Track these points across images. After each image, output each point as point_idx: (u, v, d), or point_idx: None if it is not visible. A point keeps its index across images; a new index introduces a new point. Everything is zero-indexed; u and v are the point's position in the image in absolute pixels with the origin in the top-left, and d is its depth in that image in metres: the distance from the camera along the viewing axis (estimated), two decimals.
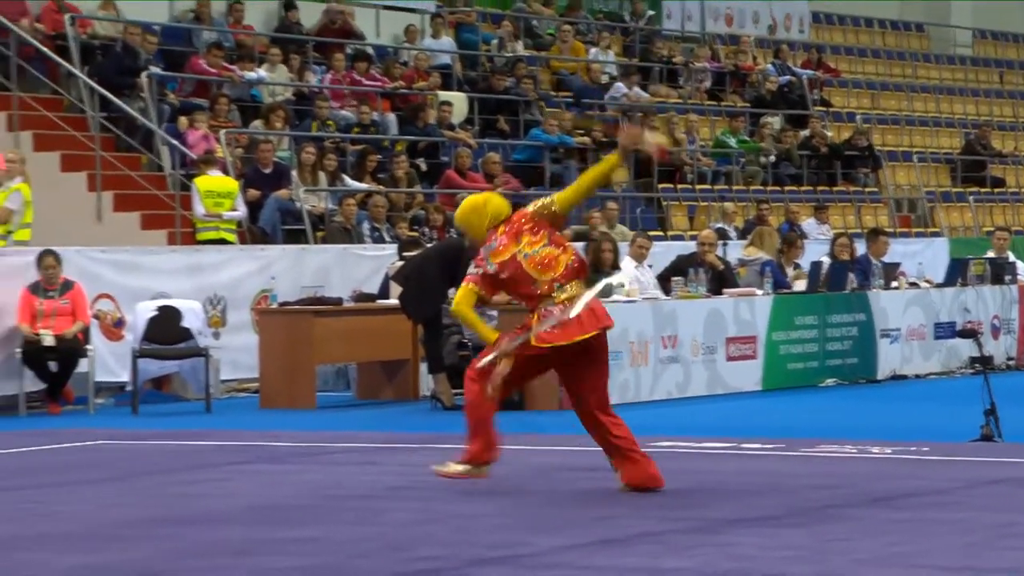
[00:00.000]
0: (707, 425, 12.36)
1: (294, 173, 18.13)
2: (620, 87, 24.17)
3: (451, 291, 14.34)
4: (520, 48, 24.18)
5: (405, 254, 15.04)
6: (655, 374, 14.36)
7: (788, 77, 26.97)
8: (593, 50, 25.01)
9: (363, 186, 18.88)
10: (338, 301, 14.75)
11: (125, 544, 7.23)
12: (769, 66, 27.18)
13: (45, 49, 18.01)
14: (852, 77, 29.34)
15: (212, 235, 16.53)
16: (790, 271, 16.76)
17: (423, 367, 14.55)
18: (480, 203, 8.81)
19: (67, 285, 13.82)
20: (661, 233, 21.27)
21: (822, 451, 10.48)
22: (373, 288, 15.57)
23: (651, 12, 27.46)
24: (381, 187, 19.05)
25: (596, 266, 15.15)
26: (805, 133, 25.55)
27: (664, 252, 16.99)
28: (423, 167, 20.34)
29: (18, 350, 13.55)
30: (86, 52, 18.57)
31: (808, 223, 22.23)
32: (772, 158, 24.63)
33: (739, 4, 29.01)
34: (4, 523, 7.88)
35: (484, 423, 8.63)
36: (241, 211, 16.78)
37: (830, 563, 6.68)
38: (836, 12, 31.18)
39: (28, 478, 9.59)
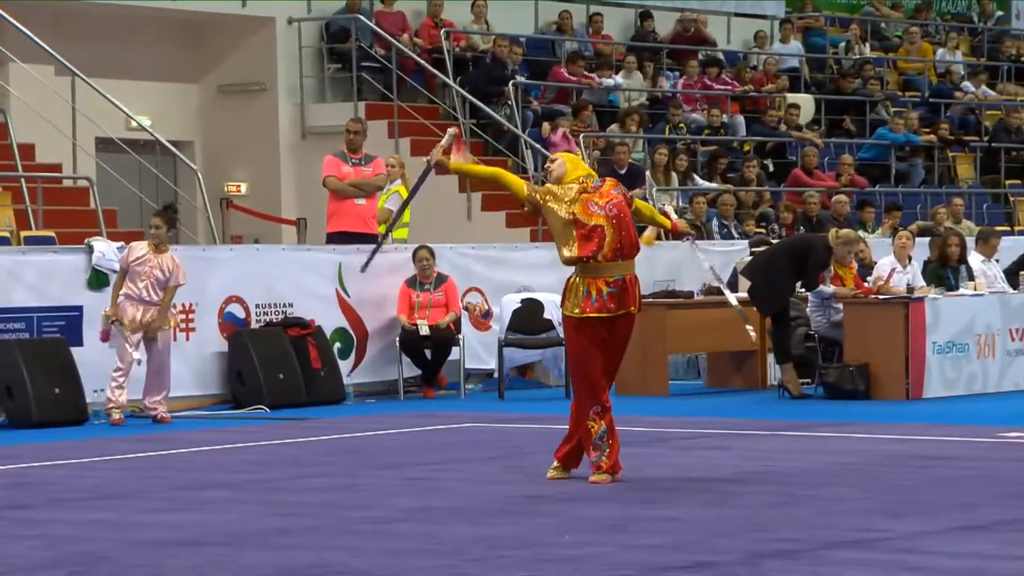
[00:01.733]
0: None
1: (648, 173, 18.23)
2: (968, 87, 23.41)
3: (798, 285, 14.21)
4: (867, 50, 23.70)
5: (754, 250, 14.98)
6: (1003, 366, 13.87)
7: None
8: (940, 50, 24.29)
9: (713, 185, 18.85)
10: (689, 295, 14.75)
11: (510, 518, 7.44)
12: None
13: (423, 62, 18.64)
14: None
15: None
16: None
17: (770, 357, 14.42)
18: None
19: (441, 278, 14.25)
20: (1008, 228, 20.50)
21: None
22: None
23: (1000, 12, 26.49)
24: (730, 186, 18.97)
25: (942, 260, 14.74)
26: None
27: (1012, 247, 16.38)
28: (770, 167, 20.18)
29: (397, 339, 14.03)
30: (459, 64, 19.12)
31: None
32: None
33: None
34: (403, 496, 8.20)
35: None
36: None
37: None
38: None
39: (415, 456, 9.95)
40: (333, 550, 6.72)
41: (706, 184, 18.83)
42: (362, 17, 18.66)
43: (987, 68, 24.27)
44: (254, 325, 13.52)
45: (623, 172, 18.11)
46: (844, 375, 13.35)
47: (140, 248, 12.17)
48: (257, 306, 13.56)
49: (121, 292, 12.08)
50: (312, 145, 18.31)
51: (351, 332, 14.07)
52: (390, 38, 18.47)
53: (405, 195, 15.45)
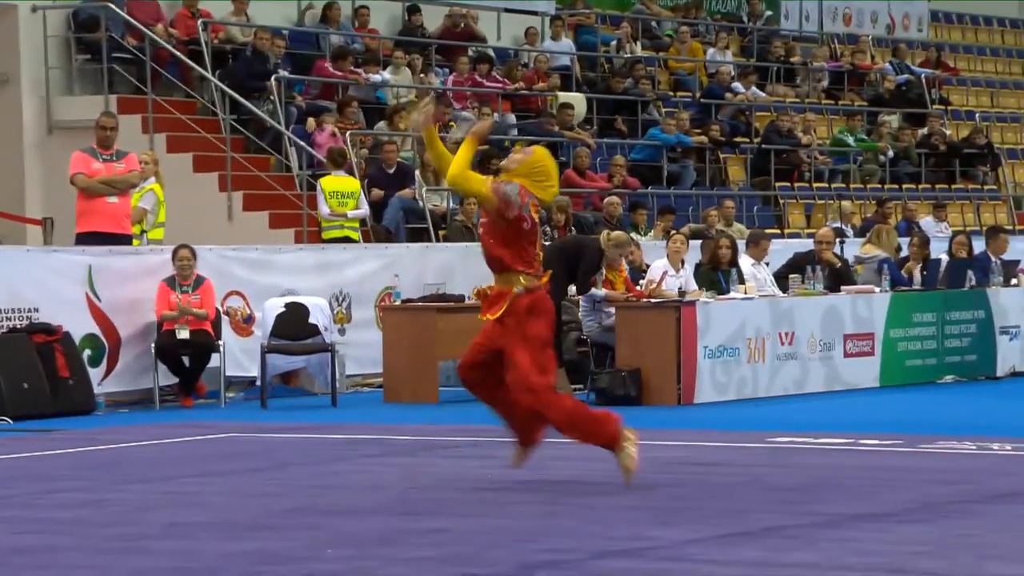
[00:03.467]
0: (825, 421, 12.30)
1: (417, 173, 18.29)
2: (738, 87, 24.07)
3: (571, 288, 14.41)
4: (639, 49, 24.17)
5: None
6: (772, 371, 14.30)
7: (906, 76, 26.69)
8: (711, 50, 24.92)
9: None
10: (460, 298, 14.84)
11: (273, 532, 7.39)
12: (887, 65, 26.92)
13: (179, 54, 18.35)
14: (971, 75, 28.96)
15: (337, 233, 16.73)
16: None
17: None
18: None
19: (199, 280, 14.06)
20: (778, 231, 21.16)
21: (941, 447, 10.39)
22: None
23: (769, 12, 27.31)
24: None
25: (713, 263, 15.13)
26: (924, 131, 25.29)
27: (781, 250, 16.91)
28: None
29: (152, 345, 13.79)
30: (218, 56, 18.88)
31: (926, 221, 21.99)
32: (890, 156, 24.40)
33: (857, 4, 28.73)
34: (157, 511, 8.07)
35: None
36: (364, 209, 16.96)
37: (957, 559, 6.64)
38: (955, 11, 30.78)
39: (171, 468, 9.80)
40: (80, 569, 6.59)
41: None
42: (112, 6, 18.26)
43: (756, 69, 24.98)
44: None
45: (392, 171, 18.14)
46: (616, 380, 13.59)
47: None
48: None
49: None
50: (59, 140, 17.87)
51: (102, 338, 13.77)
52: (143, 28, 18.14)
53: (160, 193, 15.21)
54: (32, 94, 18.31)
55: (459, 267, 16.17)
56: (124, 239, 14.40)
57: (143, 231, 15.03)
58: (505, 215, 8.48)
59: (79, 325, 13.56)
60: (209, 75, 18.36)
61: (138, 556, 6.88)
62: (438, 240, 17.50)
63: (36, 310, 13.39)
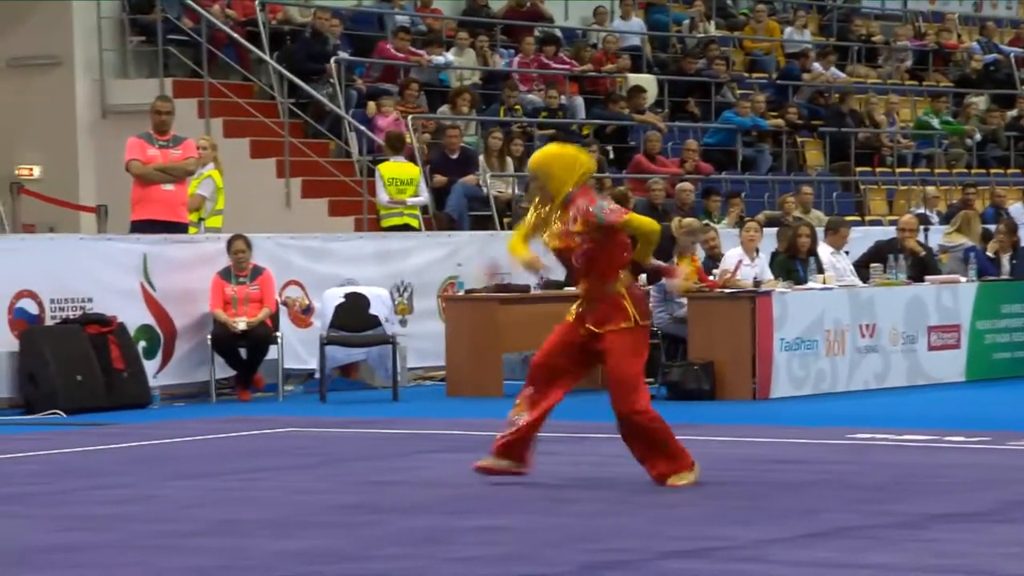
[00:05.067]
0: (908, 417, 12.18)
1: (481, 158, 18.25)
2: (816, 68, 23.86)
3: (641, 277, 14.31)
4: (712, 28, 24.02)
5: None
6: (852, 364, 14.16)
7: (995, 55, 26.38)
8: (788, 29, 24.72)
9: None
10: (525, 288, 14.79)
11: (325, 530, 7.38)
12: (974, 44, 26.61)
13: (236, 35, 18.41)
14: None
15: (396, 221, 16.73)
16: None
17: None
18: (570, 155, 8.61)
19: (257, 271, 14.08)
20: (858, 218, 20.98)
21: None
22: (559, 275, 15.55)
23: None
24: None
25: (792, 252, 14.99)
26: (1013, 113, 24.99)
27: (862, 238, 16.74)
28: (611, 153, 20.31)
29: (208, 337, 13.84)
30: (276, 38, 18.94)
31: (1015, 207, 21.71)
32: (977, 139, 24.11)
33: None
34: (207, 508, 8.09)
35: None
36: (424, 197, 16.95)
37: None
38: None
39: (224, 464, 9.82)
40: (124, 567, 6.59)
41: None
42: None
43: (836, 48, 24.77)
44: (48, 322, 13.26)
45: (455, 157, 18.12)
46: (688, 374, 13.49)
47: None
48: (52, 301, 13.29)
49: None
50: (113, 125, 17.99)
51: (158, 329, 13.84)
52: (199, 9, 18.21)
53: (219, 180, 15.26)
54: (85, 77, 18.44)
55: None
56: (180, 227, 14.45)
57: (201, 219, 15.08)
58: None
59: (134, 316, 13.64)
60: (267, 57, 18.41)
61: (186, 554, 6.88)
62: (503, 228, 17.45)
63: (90, 300, 13.47)
